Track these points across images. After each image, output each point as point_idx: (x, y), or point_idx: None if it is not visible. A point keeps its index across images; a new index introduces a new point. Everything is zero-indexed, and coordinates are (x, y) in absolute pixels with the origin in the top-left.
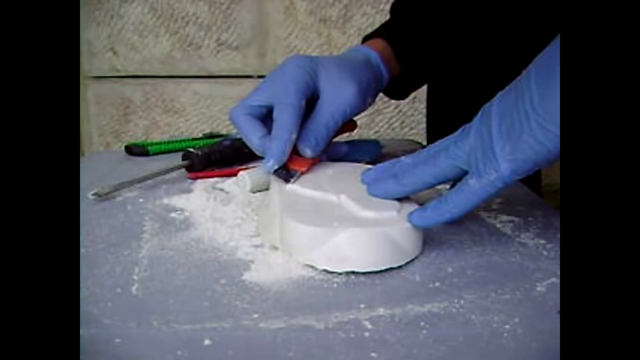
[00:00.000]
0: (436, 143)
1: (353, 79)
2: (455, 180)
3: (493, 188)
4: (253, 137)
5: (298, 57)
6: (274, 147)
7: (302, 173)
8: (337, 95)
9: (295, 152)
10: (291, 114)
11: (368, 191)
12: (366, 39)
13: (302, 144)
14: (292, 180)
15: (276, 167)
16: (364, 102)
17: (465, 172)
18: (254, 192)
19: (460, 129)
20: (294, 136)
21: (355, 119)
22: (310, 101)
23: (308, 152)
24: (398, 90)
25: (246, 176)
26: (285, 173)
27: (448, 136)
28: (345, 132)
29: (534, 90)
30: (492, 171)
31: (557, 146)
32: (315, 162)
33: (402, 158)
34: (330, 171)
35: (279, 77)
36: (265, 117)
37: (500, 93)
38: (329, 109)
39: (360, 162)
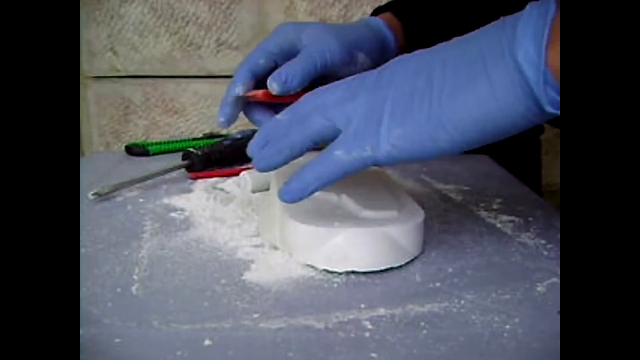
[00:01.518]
0: (308, 98)
1: (336, 33)
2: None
3: (361, 164)
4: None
5: (285, 23)
6: (220, 102)
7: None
8: (316, 42)
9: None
10: (241, 69)
11: (255, 167)
12: (374, 14)
13: (270, 79)
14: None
15: (222, 120)
16: (350, 55)
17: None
18: (254, 192)
19: (344, 85)
20: (238, 89)
21: None
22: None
23: (274, 87)
24: None
25: (247, 176)
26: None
27: (322, 87)
28: None
29: (448, 82)
30: (367, 148)
31: (453, 148)
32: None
33: (278, 116)
34: None
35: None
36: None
37: (404, 57)
38: (307, 51)
39: None
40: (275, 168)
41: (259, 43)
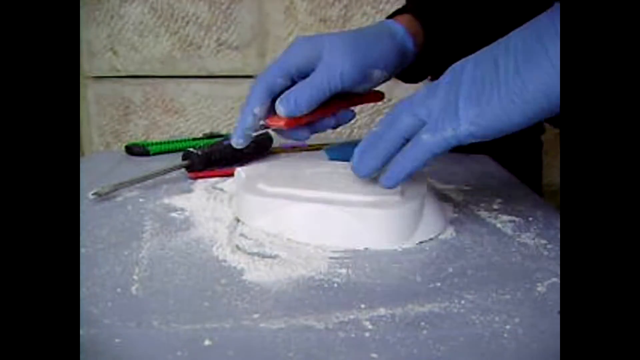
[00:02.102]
0: (399, 104)
1: (353, 51)
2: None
3: (445, 143)
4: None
5: (303, 38)
6: (238, 122)
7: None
8: (331, 62)
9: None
10: (258, 88)
11: (358, 175)
12: (394, 15)
13: (278, 102)
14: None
15: (241, 142)
16: (364, 75)
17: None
18: None
19: (426, 88)
20: (257, 110)
21: (356, 118)
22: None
23: (281, 110)
24: (415, 71)
25: (242, 172)
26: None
27: (411, 95)
28: (370, 102)
29: (511, 63)
30: (450, 128)
31: (525, 121)
32: (301, 121)
33: (374, 129)
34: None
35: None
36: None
37: (473, 56)
38: (319, 76)
39: None
40: (375, 171)
41: (278, 58)
